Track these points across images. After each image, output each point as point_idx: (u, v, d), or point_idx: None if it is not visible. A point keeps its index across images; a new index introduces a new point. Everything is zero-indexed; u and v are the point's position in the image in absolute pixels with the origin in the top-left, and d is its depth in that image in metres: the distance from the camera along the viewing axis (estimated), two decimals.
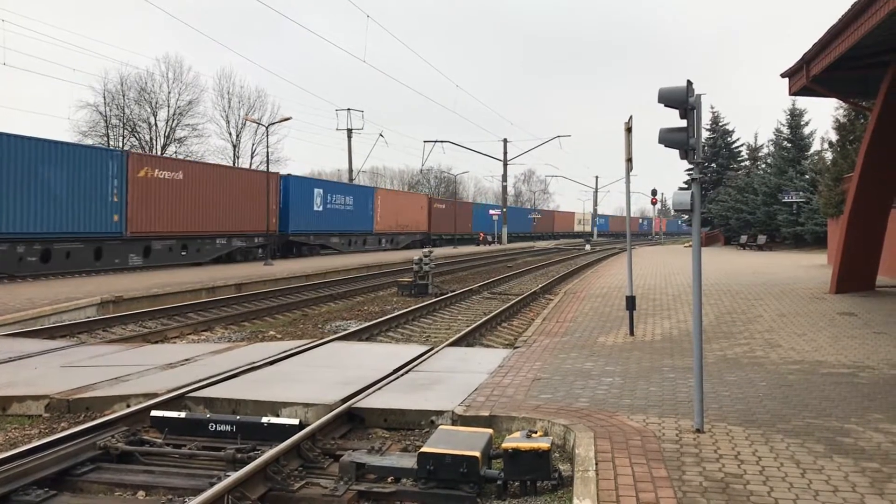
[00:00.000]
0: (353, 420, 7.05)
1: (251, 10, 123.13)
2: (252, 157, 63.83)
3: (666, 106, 6.30)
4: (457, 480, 5.25)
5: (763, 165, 53.30)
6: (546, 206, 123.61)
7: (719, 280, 20.62)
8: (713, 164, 58.53)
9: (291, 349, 10.32)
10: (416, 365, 9.23)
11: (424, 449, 5.40)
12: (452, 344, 11.22)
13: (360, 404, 7.21)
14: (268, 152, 34.28)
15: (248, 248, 32.74)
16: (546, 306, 16.59)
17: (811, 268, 25.42)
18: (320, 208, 38.51)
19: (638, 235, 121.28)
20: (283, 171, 57.50)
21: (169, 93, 57.84)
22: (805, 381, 8.09)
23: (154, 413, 6.80)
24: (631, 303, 11.65)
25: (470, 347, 11.48)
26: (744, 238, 47.85)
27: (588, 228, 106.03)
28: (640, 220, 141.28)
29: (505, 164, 67.95)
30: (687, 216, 6.57)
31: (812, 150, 46.40)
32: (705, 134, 57.91)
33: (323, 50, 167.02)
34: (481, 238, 64.84)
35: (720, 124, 58.87)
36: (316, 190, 38.68)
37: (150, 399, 7.35)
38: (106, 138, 55.14)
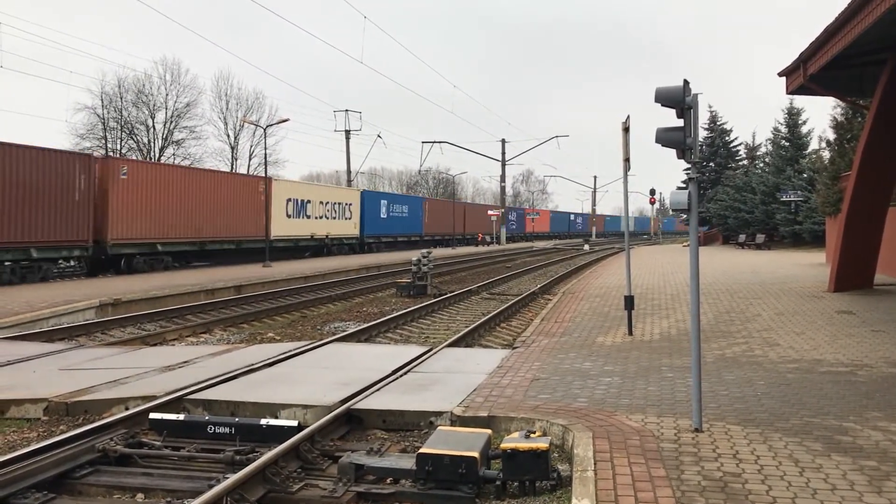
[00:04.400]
0: (351, 421, 7.05)
1: (247, 12, 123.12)
2: (250, 159, 63.91)
3: (663, 105, 6.30)
4: (455, 481, 5.26)
5: (761, 164, 53.32)
6: (545, 206, 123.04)
7: (717, 279, 20.62)
8: (711, 164, 58.56)
9: (290, 351, 10.32)
10: (415, 366, 9.23)
11: (423, 450, 5.41)
12: (451, 345, 11.22)
13: (358, 405, 7.21)
14: (266, 154, 34.28)
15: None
16: (545, 306, 16.60)
17: (809, 266, 25.43)
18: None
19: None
20: (281, 173, 56.26)
21: (167, 95, 57.93)
22: (803, 379, 8.10)
23: (153, 415, 6.80)
24: (629, 302, 11.65)
25: (469, 348, 11.48)
26: (742, 237, 47.91)
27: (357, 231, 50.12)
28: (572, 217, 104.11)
29: (503, 165, 67.95)
30: (684, 215, 6.57)
31: (810, 148, 46.41)
32: (703, 133, 58.01)
33: (320, 51, 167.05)
34: (479, 238, 64.84)
35: (718, 123, 58.92)
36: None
37: (148, 401, 7.35)
38: (104, 141, 55.14)
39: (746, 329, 11.77)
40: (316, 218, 37.48)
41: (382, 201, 47.57)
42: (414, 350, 10.57)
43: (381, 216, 46.65)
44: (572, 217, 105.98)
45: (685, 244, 59.82)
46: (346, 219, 41.88)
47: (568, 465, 5.68)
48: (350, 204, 42.45)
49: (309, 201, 36.90)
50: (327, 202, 39.26)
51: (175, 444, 6.40)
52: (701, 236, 51.74)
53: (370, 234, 44.61)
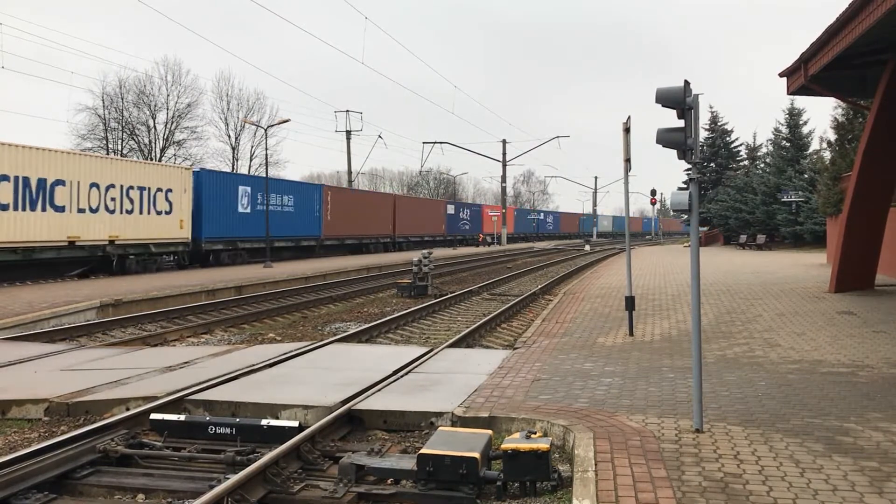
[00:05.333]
0: (352, 422, 7.05)
1: (247, 11, 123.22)
2: (251, 160, 63.91)
3: (664, 106, 6.30)
4: (456, 482, 5.26)
5: (762, 165, 53.29)
6: (546, 207, 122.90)
7: (718, 280, 20.62)
8: (712, 164, 58.53)
9: (291, 351, 10.32)
10: (416, 366, 9.23)
11: (424, 450, 5.41)
12: (452, 345, 11.22)
13: (359, 406, 7.21)
14: (266, 154, 34.24)
15: None
16: (545, 307, 16.59)
17: (810, 267, 25.42)
18: None
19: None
20: (282, 174, 55.59)
21: (168, 95, 57.96)
22: (804, 380, 8.09)
23: (153, 416, 6.81)
24: (630, 303, 11.65)
25: (469, 348, 11.47)
26: (743, 237, 47.90)
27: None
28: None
29: (504, 165, 67.91)
30: (685, 216, 6.57)
31: (811, 149, 46.42)
32: (704, 133, 58.00)
33: (320, 51, 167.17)
34: (480, 239, 64.75)
35: (719, 124, 58.86)
36: None
37: (149, 402, 7.35)
38: (105, 141, 55.19)
39: (747, 330, 11.76)
40: (83, 211, 22.83)
41: (243, 188, 31.43)
42: (415, 350, 10.57)
43: (240, 210, 30.90)
44: (542, 216, 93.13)
45: (686, 244, 59.84)
46: (160, 213, 26.45)
47: (569, 466, 5.68)
48: (169, 190, 26.79)
49: (62, 181, 21.95)
50: (111, 185, 24.01)
51: (176, 444, 6.41)
52: (702, 237, 51.82)
53: (215, 237, 28.97)
